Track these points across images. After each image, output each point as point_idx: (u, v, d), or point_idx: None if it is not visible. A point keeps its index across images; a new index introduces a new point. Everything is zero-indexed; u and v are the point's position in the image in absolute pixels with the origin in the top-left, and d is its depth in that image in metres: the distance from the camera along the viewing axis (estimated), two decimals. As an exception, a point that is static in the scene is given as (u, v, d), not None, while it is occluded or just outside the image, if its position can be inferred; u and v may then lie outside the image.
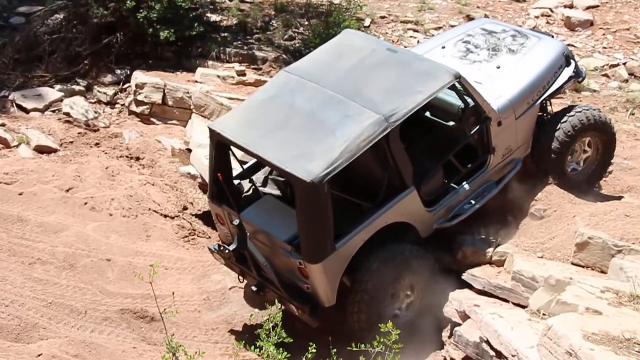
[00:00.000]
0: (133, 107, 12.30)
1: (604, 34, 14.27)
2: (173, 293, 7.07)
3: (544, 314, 6.85)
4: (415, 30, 14.41)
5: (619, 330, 5.59)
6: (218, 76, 12.37)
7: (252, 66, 12.84)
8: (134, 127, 12.04)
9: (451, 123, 8.71)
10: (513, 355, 6.34)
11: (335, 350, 5.32)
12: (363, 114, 7.54)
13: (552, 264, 7.91)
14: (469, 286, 8.27)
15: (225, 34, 13.38)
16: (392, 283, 7.97)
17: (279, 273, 7.85)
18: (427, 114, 8.91)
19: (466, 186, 8.39)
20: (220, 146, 7.97)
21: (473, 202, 8.48)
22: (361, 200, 7.84)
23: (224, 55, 12.92)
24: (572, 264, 7.99)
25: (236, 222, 7.71)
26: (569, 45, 13.75)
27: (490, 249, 8.45)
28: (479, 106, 8.20)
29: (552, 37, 9.79)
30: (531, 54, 9.08)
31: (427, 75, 7.96)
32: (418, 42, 13.82)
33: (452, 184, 8.42)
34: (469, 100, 8.23)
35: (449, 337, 7.94)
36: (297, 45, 13.36)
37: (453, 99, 8.41)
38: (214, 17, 13.78)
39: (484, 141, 8.43)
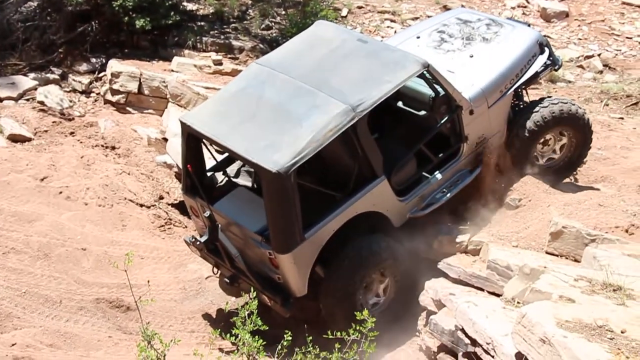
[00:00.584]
0: (109, 96, 12.22)
1: (579, 26, 14.38)
2: (148, 282, 7.06)
3: (518, 302, 6.89)
4: (392, 21, 14.45)
5: (592, 318, 5.64)
6: (194, 65, 12.33)
7: (229, 55, 12.79)
8: (110, 116, 11.96)
9: (423, 112, 8.69)
10: (488, 343, 6.37)
11: (311, 338, 5.33)
12: (330, 104, 7.54)
13: (527, 253, 7.96)
14: (445, 275, 8.31)
15: (202, 23, 13.31)
16: (364, 275, 7.97)
17: (252, 264, 7.85)
18: (400, 103, 8.91)
19: (439, 175, 8.41)
20: (191, 139, 7.96)
21: (446, 190, 8.50)
22: (332, 190, 7.84)
23: (201, 44, 12.85)
24: (547, 252, 8.06)
25: (207, 214, 7.71)
26: (545, 36, 13.84)
27: (466, 238, 8.49)
28: (450, 95, 8.22)
29: (528, 25, 9.79)
30: (504, 43, 9.09)
31: (395, 64, 7.97)
32: (395, 32, 13.86)
33: (424, 173, 8.43)
34: (440, 89, 8.25)
35: (425, 325, 7.98)
36: (274, 34, 13.34)
37: (425, 88, 8.41)
38: (190, 6, 13.72)
39: (456, 130, 8.44)
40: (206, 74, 12.22)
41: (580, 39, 13.99)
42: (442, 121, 8.31)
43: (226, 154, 8.43)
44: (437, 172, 8.41)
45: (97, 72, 12.59)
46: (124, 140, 11.41)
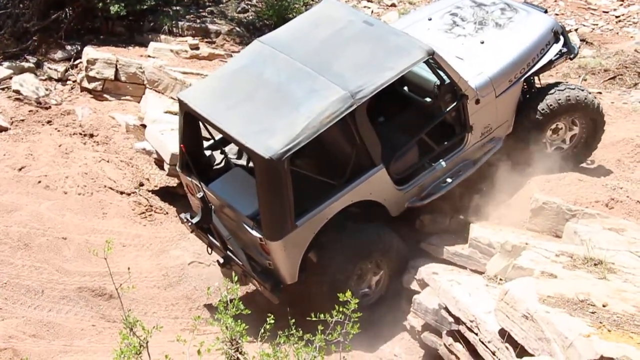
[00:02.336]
0: (85, 84, 12.08)
1: (555, 1, 14.38)
2: (129, 269, 7.02)
3: (500, 279, 6.93)
4: (369, 1, 14.38)
5: (574, 293, 5.68)
6: (171, 50, 12.22)
7: (206, 39, 12.69)
8: (87, 103, 11.84)
9: (427, 100, 8.53)
10: (471, 321, 6.41)
11: (294, 321, 5.32)
12: (329, 89, 7.39)
13: (508, 230, 8.00)
14: (428, 255, 8.33)
15: (177, 8, 13.17)
16: (359, 262, 7.90)
17: (244, 248, 7.80)
18: (405, 89, 8.75)
19: (441, 165, 8.24)
20: (188, 117, 7.83)
21: (448, 181, 8.34)
22: (327, 177, 7.70)
23: (177, 29, 12.74)
24: (528, 229, 8.11)
25: (200, 194, 7.63)
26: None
27: (448, 217, 8.51)
28: (455, 83, 8.04)
29: (545, 11, 9.51)
30: (517, 30, 8.84)
31: (399, 50, 7.77)
32: (372, 12, 13.81)
33: (426, 163, 8.28)
34: (446, 77, 8.06)
35: (409, 305, 7.98)
36: (251, 17, 13.25)
37: (431, 75, 8.20)
38: (165, -10, 13.58)
39: (460, 119, 8.26)
40: (183, 58, 12.12)
41: (557, 14, 13.97)
42: (446, 110, 8.15)
43: None
44: (440, 161, 8.24)
45: (72, 60, 12.44)
46: (102, 127, 11.31)
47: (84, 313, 8.14)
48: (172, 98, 11.27)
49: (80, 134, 11.15)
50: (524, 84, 8.90)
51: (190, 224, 8.09)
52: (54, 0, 12.49)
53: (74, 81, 12.29)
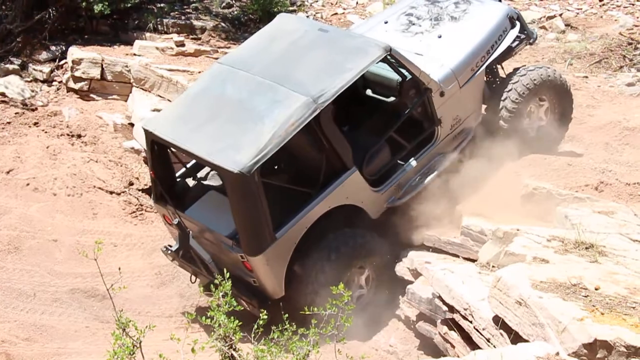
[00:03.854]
0: (71, 84, 12.05)
1: (540, -14, 14.40)
2: (119, 269, 6.99)
3: (493, 266, 6.92)
4: (353, -8, 14.35)
5: (566, 277, 5.68)
6: (157, 48, 12.20)
7: (191, 36, 12.68)
8: (74, 104, 11.81)
9: (392, 99, 8.53)
10: (465, 309, 6.40)
11: (287, 315, 5.32)
12: (291, 98, 7.34)
13: (500, 217, 7.97)
14: (421, 244, 8.32)
15: (162, 5, 13.16)
16: (344, 271, 7.79)
17: (227, 269, 7.67)
18: (369, 91, 8.75)
19: (415, 161, 8.22)
20: (155, 145, 7.77)
21: (425, 176, 8.31)
22: (303, 186, 7.65)
23: (162, 26, 12.71)
24: (519, 215, 8.08)
25: (176, 221, 7.60)
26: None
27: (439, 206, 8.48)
28: (417, 78, 8.02)
29: (500, 0, 9.63)
30: (473, 20, 8.89)
31: (357, 51, 7.76)
32: (357, 3, 13.80)
33: (400, 161, 8.23)
34: (407, 73, 8.06)
35: (403, 295, 7.99)
36: (236, 12, 13.22)
37: (393, 73, 8.23)
38: (149, -12, 13.53)
39: (428, 113, 8.25)
40: (169, 55, 12.10)
41: (541, 0, 14.00)
42: (412, 106, 8.13)
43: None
44: (413, 158, 8.22)
45: (57, 60, 12.40)
46: (90, 127, 11.27)
47: (77, 315, 8.12)
48: (159, 96, 11.25)
49: (68, 134, 11.11)
50: (488, 74, 8.97)
51: (169, 252, 8.03)
52: (37, 1, 12.44)
53: (59, 82, 12.25)
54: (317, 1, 14.21)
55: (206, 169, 8.38)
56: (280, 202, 7.44)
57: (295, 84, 7.48)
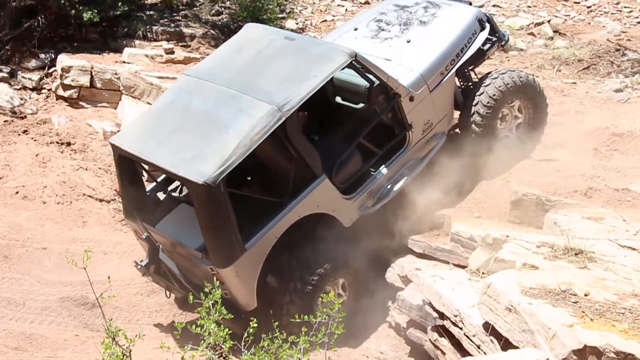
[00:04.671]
0: (60, 92, 12.03)
1: (527, -7, 14.48)
2: (109, 277, 6.96)
3: (483, 273, 6.93)
4: (343, -1, 14.40)
5: (556, 283, 5.70)
6: (146, 55, 12.20)
7: (181, 43, 12.68)
8: (63, 111, 11.78)
9: (361, 105, 8.47)
10: (455, 315, 6.41)
11: (277, 323, 5.31)
12: (256, 107, 7.28)
13: (489, 223, 8.02)
14: (410, 251, 8.33)
15: (151, 12, 13.16)
16: (321, 286, 7.72)
17: (200, 283, 7.50)
18: (338, 99, 8.70)
19: (387, 168, 8.17)
20: (123, 160, 7.72)
21: (397, 182, 8.25)
22: (272, 195, 7.60)
23: (151, 33, 12.70)
24: (509, 221, 8.13)
25: (144, 235, 7.56)
26: (494, 5, 13.92)
27: (429, 213, 8.49)
28: (385, 83, 7.97)
29: (470, 3, 9.58)
30: (442, 24, 8.87)
31: (322, 58, 7.70)
32: (346, 10, 13.83)
33: (372, 167, 8.17)
34: (375, 79, 8.00)
35: (393, 302, 8.00)
36: (225, 20, 13.23)
37: (361, 80, 8.13)
38: (138, -5, 13.54)
39: (398, 119, 8.20)
40: (158, 63, 12.10)
41: (529, 7, 14.07)
42: (381, 111, 8.09)
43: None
44: (385, 164, 8.17)
45: (46, 68, 12.38)
46: (79, 135, 11.25)
47: (66, 323, 8.07)
48: (148, 103, 11.23)
49: (57, 142, 11.08)
50: (461, 79, 8.97)
51: (139, 267, 7.98)
52: (25, 9, 12.43)
53: (49, 89, 12.22)
54: (306, 8, 14.24)
55: (178, 183, 8.26)
56: (250, 212, 7.38)
57: (260, 93, 7.42)
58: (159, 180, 8.31)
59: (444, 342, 6.74)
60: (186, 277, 7.65)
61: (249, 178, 8.06)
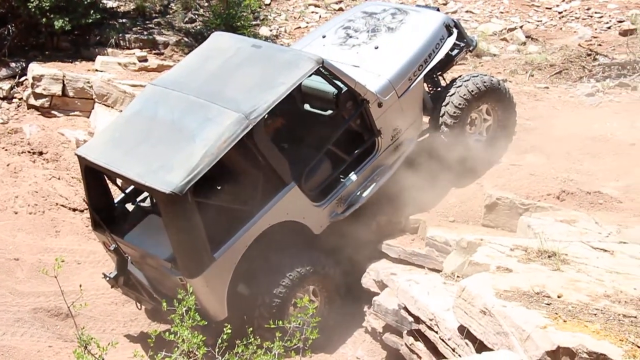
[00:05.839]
0: (32, 101, 11.94)
1: (500, -1, 14.59)
2: (80, 286, 6.88)
3: (458, 276, 6.96)
4: (316, 6, 14.42)
5: (529, 285, 5.72)
6: (119, 63, 12.13)
7: (154, 51, 12.63)
8: (35, 121, 11.69)
9: (329, 112, 8.47)
10: (430, 319, 6.42)
11: (251, 329, 5.29)
12: (223, 115, 7.25)
13: (464, 227, 8.05)
14: (386, 256, 8.34)
15: (124, 20, 13.11)
16: (292, 293, 7.68)
17: (170, 293, 7.42)
18: (307, 106, 8.69)
19: (356, 174, 8.17)
20: (89, 171, 7.66)
21: (367, 189, 8.25)
22: (241, 204, 7.57)
23: (124, 41, 12.65)
24: (483, 225, 8.17)
25: (112, 247, 7.51)
26: (467, 11, 14.00)
27: (403, 218, 8.52)
28: (353, 90, 7.97)
29: (437, 9, 9.65)
30: (409, 30, 8.90)
31: (289, 65, 7.69)
32: (319, 17, 13.86)
33: (341, 174, 8.16)
34: (342, 85, 7.99)
35: (369, 307, 8.00)
36: (199, 27, 13.20)
37: (330, 87, 8.13)
38: (110, 3, 13.50)
39: (367, 125, 8.20)
40: (131, 71, 12.03)
41: (502, 12, 14.17)
42: (350, 118, 8.08)
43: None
44: (355, 171, 8.16)
45: (17, 77, 12.27)
46: (52, 144, 11.16)
47: (40, 334, 7.98)
48: (122, 112, 11.16)
49: (29, 152, 10.99)
50: (429, 85, 9.00)
51: (108, 279, 7.91)
52: (-5, 18, 12.33)
53: (20, 99, 12.13)
54: (280, 15, 14.25)
55: (146, 193, 8.18)
56: (220, 221, 7.34)
57: (227, 101, 7.39)
58: (127, 191, 8.25)
59: (420, 346, 6.75)
60: (156, 288, 7.61)
61: (218, 187, 8.01)
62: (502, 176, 8.64)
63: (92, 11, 12.44)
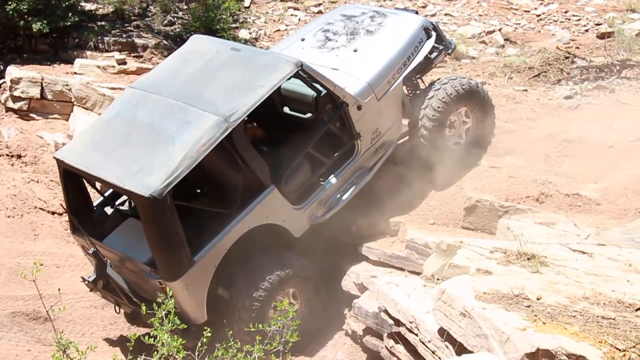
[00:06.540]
0: (10, 104, 11.85)
1: (478, 2, 14.65)
2: (59, 290, 6.83)
3: (438, 279, 6.97)
4: (295, 9, 14.43)
5: (509, 288, 5.75)
6: (98, 66, 12.08)
7: (133, 54, 12.59)
8: (13, 124, 11.60)
9: (309, 115, 8.48)
10: (411, 322, 6.44)
11: (231, 332, 5.28)
12: (202, 118, 7.25)
13: (443, 230, 8.08)
14: (366, 258, 8.35)
15: (103, 23, 13.05)
16: (272, 296, 7.64)
17: (149, 297, 7.45)
18: (286, 109, 8.69)
19: (336, 177, 8.18)
20: (68, 174, 7.62)
21: (347, 191, 8.25)
22: (220, 207, 7.56)
23: (103, 44, 12.59)
24: (463, 227, 8.21)
25: (91, 250, 7.47)
26: (446, 14, 14.06)
27: (383, 220, 8.54)
28: (332, 92, 7.98)
29: (416, 12, 9.70)
30: (388, 33, 8.92)
31: (268, 68, 7.70)
32: (299, 20, 13.86)
33: (321, 177, 8.17)
34: (322, 88, 8.00)
35: (349, 310, 8.00)
36: (178, 30, 13.17)
37: (309, 90, 8.12)
38: (89, 6, 13.44)
39: (346, 128, 8.21)
40: (110, 74, 11.99)
41: (480, 15, 14.24)
42: (329, 121, 8.08)
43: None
44: (335, 173, 8.17)
45: (-5, 80, 12.19)
46: (30, 147, 11.08)
47: (18, 338, 7.92)
48: (100, 114, 11.11)
49: (7, 155, 10.90)
50: (409, 87, 9.03)
51: (87, 283, 7.87)
52: (-28, 21, 12.23)
53: (-3, 102, 12.03)
54: (259, 18, 14.24)
55: (125, 196, 8.12)
56: (199, 224, 7.34)
57: (206, 104, 7.38)
58: (106, 194, 8.20)
59: (400, 349, 6.76)
60: (135, 292, 7.57)
61: (198, 190, 7.98)
62: (482, 178, 8.68)
63: (70, 14, 12.39)
